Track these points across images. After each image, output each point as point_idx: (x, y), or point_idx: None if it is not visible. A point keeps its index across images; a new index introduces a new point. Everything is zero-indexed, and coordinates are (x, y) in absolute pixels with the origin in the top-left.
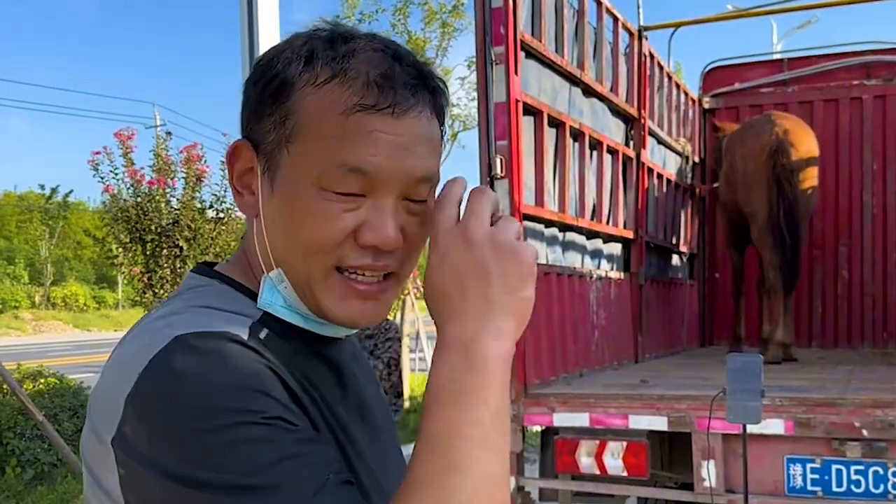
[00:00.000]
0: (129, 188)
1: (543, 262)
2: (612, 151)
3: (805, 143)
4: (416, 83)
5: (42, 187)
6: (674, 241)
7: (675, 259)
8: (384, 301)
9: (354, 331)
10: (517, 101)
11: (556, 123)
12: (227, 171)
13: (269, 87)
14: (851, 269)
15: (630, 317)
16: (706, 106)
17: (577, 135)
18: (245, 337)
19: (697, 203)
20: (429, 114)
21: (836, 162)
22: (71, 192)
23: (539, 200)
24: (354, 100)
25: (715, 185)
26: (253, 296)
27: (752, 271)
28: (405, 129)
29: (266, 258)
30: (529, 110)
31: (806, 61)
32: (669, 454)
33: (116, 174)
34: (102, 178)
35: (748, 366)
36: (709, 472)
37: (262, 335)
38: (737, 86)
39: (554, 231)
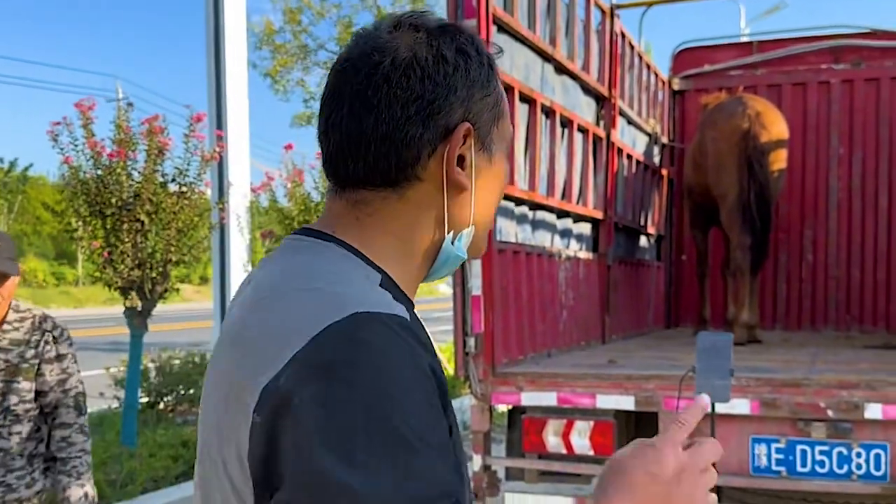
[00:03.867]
0: (88, 160)
1: (513, 240)
2: (583, 130)
3: (776, 125)
4: None
5: (0, 160)
6: (642, 223)
7: (643, 240)
8: None
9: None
10: None
11: (528, 100)
12: (447, 155)
13: (482, 71)
14: (816, 252)
15: (598, 297)
16: (676, 87)
17: (549, 112)
18: (408, 319)
19: (665, 184)
20: None
21: (802, 146)
22: (31, 165)
23: (510, 178)
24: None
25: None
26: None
27: (717, 253)
28: None
29: (466, 220)
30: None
31: (775, 44)
32: (636, 433)
33: (76, 146)
34: (62, 150)
35: (718, 344)
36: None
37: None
38: (706, 68)
39: (524, 210)
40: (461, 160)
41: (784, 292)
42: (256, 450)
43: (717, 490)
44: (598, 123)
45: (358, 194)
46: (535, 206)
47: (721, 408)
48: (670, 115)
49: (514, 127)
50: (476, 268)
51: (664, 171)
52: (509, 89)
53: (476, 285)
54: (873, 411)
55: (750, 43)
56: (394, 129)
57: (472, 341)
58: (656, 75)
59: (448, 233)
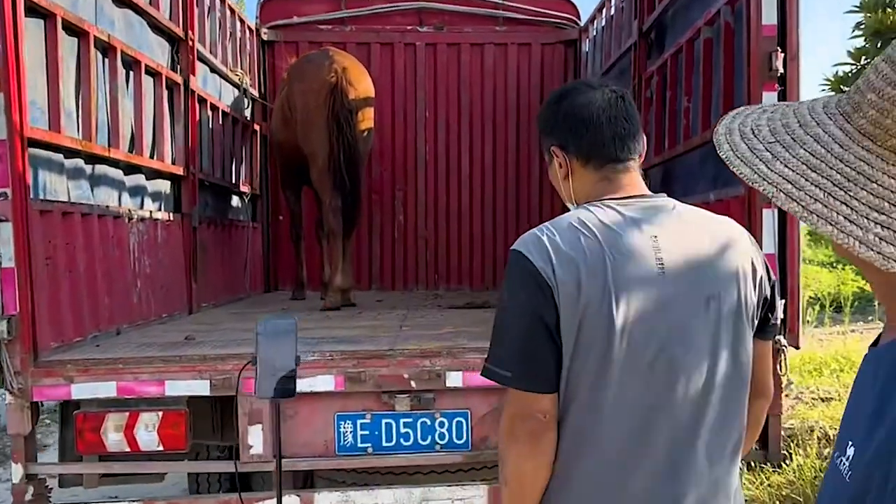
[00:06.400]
0: None
1: (64, 199)
2: (154, 74)
3: (362, 82)
4: None
5: None
6: (233, 181)
7: (236, 200)
8: None
9: None
10: None
11: (77, 32)
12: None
13: None
14: (407, 213)
15: (182, 263)
16: (265, 38)
17: (107, 49)
18: None
19: (258, 141)
20: None
21: (392, 107)
22: None
23: (54, 124)
24: None
25: None
26: None
27: (312, 214)
28: None
29: None
30: (37, 11)
31: (363, 1)
32: (221, 419)
33: None
34: None
35: (281, 330)
36: (256, 439)
37: None
38: (295, 19)
39: (77, 162)
40: None
41: (378, 253)
42: (764, 286)
43: (307, 475)
44: (174, 68)
45: (636, 162)
46: (94, 159)
47: (304, 385)
48: (260, 67)
49: (58, 63)
50: (6, 232)
51: (256, 127)
52: (49, 16)
53: (6, 255)
54: (454, 379)
55: None
56: (639, 127)
57: (3, 325)
58: (243, 22)
59: None
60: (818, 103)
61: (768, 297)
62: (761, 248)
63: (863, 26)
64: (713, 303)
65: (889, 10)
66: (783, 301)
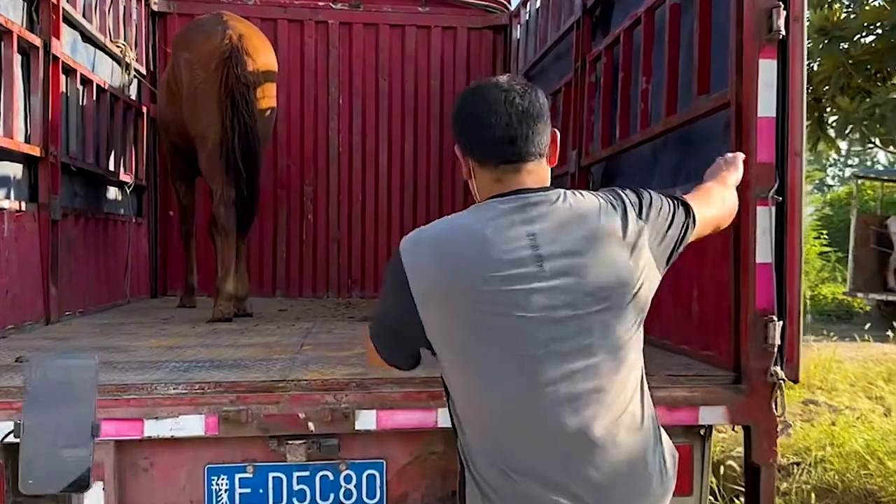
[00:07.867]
0: None
1: None
2: (2, 32)
3: (263, 53)
4: None
5: None
6: (112, 168)
7: (115, 191)
8: None
9: None
10: None
11: None
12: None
13: None
14: (317, 211)
15: (38, 263)
16: (155, 8)
17: None
18: None
19: (146, 124)
20: None
21: (301, 92)
22: None
23: None
24: None
25: None
26: None
27: (207, 208)
28: None
29: None
30: None
31: None
32: None
33: None
34: None
35: (68, 379)
36: (95, 499)
37: None
38: None
39: None
40: None
41: (284, 256)
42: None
43: None
44: (32, 29)
45: (534, 162)
46: None
47: (165, 429)
48: (149, 41)
49: None
50: None
51: (144, 108)
52: None
53: None
54: (366, 420)
55: None
56: (542, 127)
57: None
58: None
59: None
60: None
61: (668, 253)
62: (754, 257)
63: (808, 23)
64: (601, 290)
65: (836, 5)
66: (780, 323)
